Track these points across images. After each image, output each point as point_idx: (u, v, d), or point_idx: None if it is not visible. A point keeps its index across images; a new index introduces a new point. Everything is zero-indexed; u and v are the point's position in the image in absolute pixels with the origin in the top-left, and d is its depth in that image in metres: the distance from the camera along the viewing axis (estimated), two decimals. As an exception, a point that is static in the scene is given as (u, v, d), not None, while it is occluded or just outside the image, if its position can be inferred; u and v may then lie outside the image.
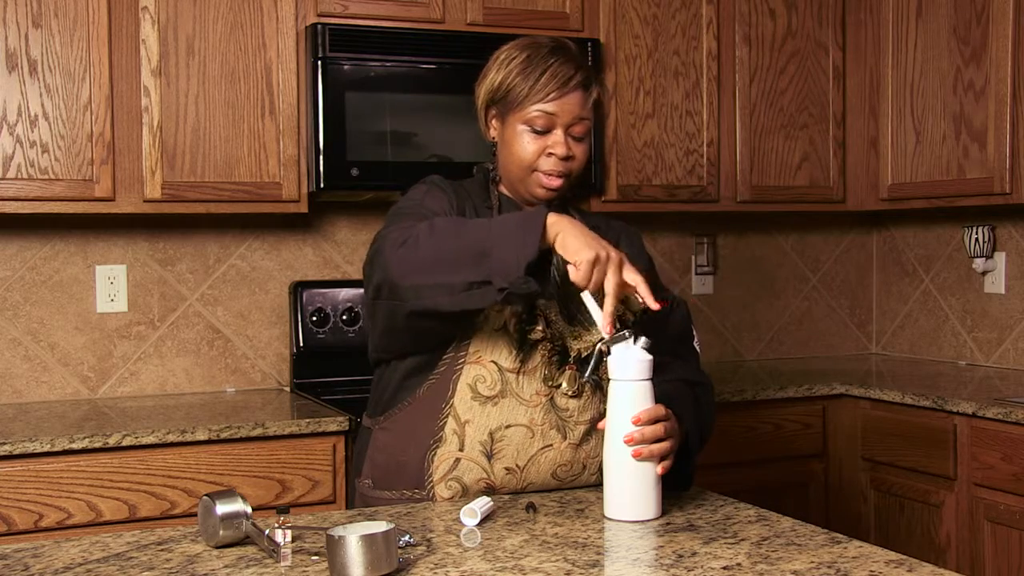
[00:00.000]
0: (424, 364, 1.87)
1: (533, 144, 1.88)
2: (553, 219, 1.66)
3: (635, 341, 1.68)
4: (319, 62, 2.95)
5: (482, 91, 1.94)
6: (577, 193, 2.09)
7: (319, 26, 2.96)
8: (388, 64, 3.02)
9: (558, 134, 1.87)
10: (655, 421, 1.69)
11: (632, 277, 1.65)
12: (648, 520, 1.68)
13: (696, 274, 3.90)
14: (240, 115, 2.97)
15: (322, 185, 2.98)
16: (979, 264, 3.66)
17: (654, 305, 1.64)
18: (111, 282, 3.17)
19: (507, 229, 1.66)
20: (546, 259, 1.66)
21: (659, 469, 1.68)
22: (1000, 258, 3.65)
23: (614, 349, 1.69)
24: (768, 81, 3.60)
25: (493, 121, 1.94)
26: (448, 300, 1.70)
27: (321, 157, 2.96)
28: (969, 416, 2.93)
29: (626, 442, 1.66)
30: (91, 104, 2.83)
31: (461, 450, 1.83)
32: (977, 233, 3.61)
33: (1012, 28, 3.17)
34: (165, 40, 2.89)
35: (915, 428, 3.10)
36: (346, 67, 2.98)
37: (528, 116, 1.87)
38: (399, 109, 3.04)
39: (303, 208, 3.05)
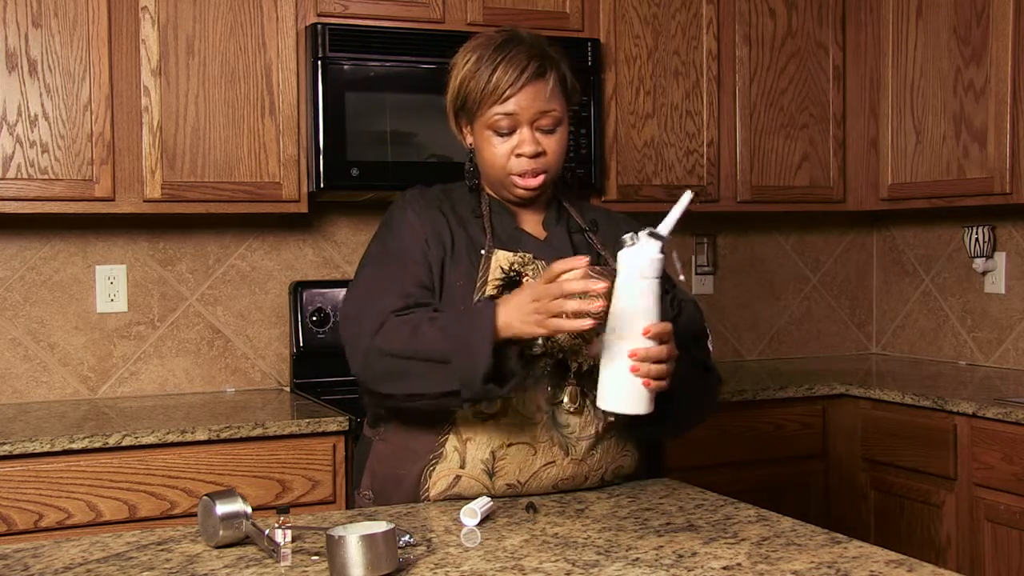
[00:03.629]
0: None
1: (501, 147, 1.83)
2: (500, 320, 1.62)
3: (647, 235, 1.63)
4: (319, 62, 2.95)
5: (447, 101, 1.89)
6: (574, 187, 2.05)
7: (319, 26, 2.96)
8: (388, 64, 3.02)
9: (524, 132, 1.82)
10: (663, 340, 1.63)
11: (575, 284, 1.58)
12: (640, 415, 1.64)
13: (696, 274, 3.90)
14: (240, 115, 2.97)
15: (322, 185, 2.98)
16: (979, 264, 3.66)
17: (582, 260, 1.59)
18: (111, 282, 3.17)
19: (461, 340, 1.64)
20: (505, 353, 1.66)
21: (648, 383, 1.61)
22: (1000, 258, 3.65)
23: (624, 246, 1.64)
24: (768, 81, 3.60)
25: (465, 128, 1.90)
26: (426, 404, 1.74)
27: (321, 157, 2.96)
28: (969, 416, 2.93)
29: (630, 356, 1.60)
30: (91, 104, 2.83)
31: (462, 467, 1.81)
32: (977, 233, 3.61)
33: (1012, 28, 3.17)
34: (165, 40, 2.89)
35: (915, 428, 3.10)
36: (346, 67, 2.98)
37: (490, 120, 1.82)
38: (399, 109, 3.04)
39: (303, 208, 3.05)
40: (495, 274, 1.80)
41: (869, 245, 4.18)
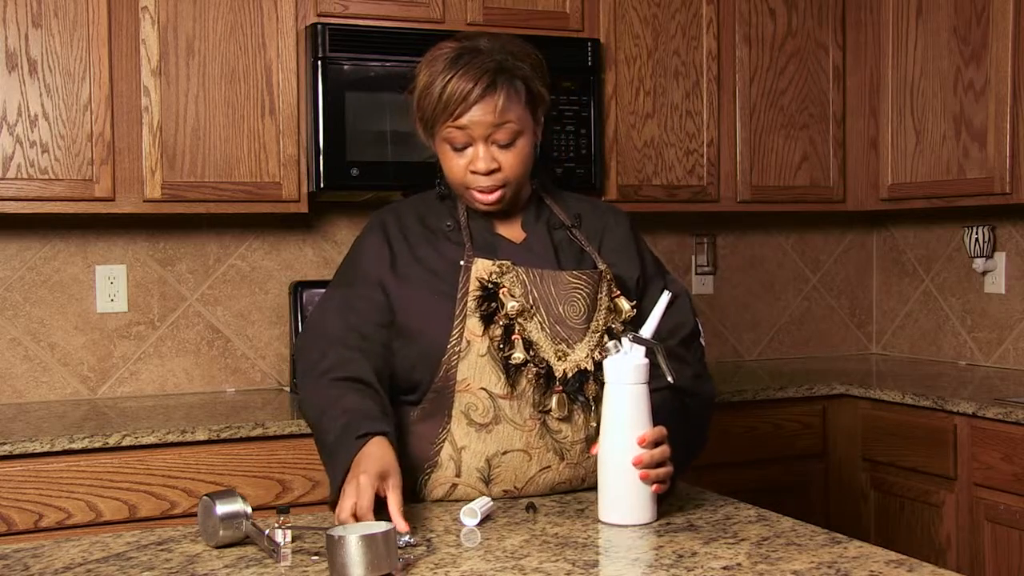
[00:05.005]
0: (408, 390, 1.84)
1: (457, 161, 1.82)
2: (351, 468, 1.64)
3: (630, 340, 1.68)
4: (319, 62, 2.95)
5: (412, 111, 1.89)
6: (554, 182, 2.06)
7: (319, 26, 2.96)
8: (388, 64, 3.02)
9: (478, 148, 1.80)
10: (658, 443, 1.67)
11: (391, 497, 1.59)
12: (643, 524, 1.67)
13: (696, 274, 3.90)
14: (240, 115, 2.97)
15: (322, 185, 2.98)
16: (979, 264, 3.66)
17: (402, 526, 1.55)
18: (111, 282, 3.17)
19: (329, 456, 1.72)
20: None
21: (653, 488, 1.67)
22: (1000, 258, 3.65)
23: (609, 355, 1.69)
24: (768, 81, 3.60)
25: (428, 139, 1.88)
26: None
27: (321, 157, 2.96)
28: (969, 416, 2.93)
29: (634, 464, 1.64)
30: (91, 104, 2.83)
31: (458, 476, 1.81)
32: (977, 233, 3.61)
33: (1012, 28, 3.17)
34: (165, 40, 2.89)
35: (915, 428, 3.10)
36: (346, 67, 2.98)
37: (445, 135, 1.81)
38: (399, 109, 3.04)
39: (303, 208, 3.05)
40: (473, 286, 1.79)
41: (869, 245, 4.18)
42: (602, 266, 1.88)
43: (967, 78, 3.31)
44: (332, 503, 1.66)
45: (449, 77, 1.77)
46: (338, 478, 1.65)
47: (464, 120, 1.78)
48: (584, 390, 1.80)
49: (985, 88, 3.26)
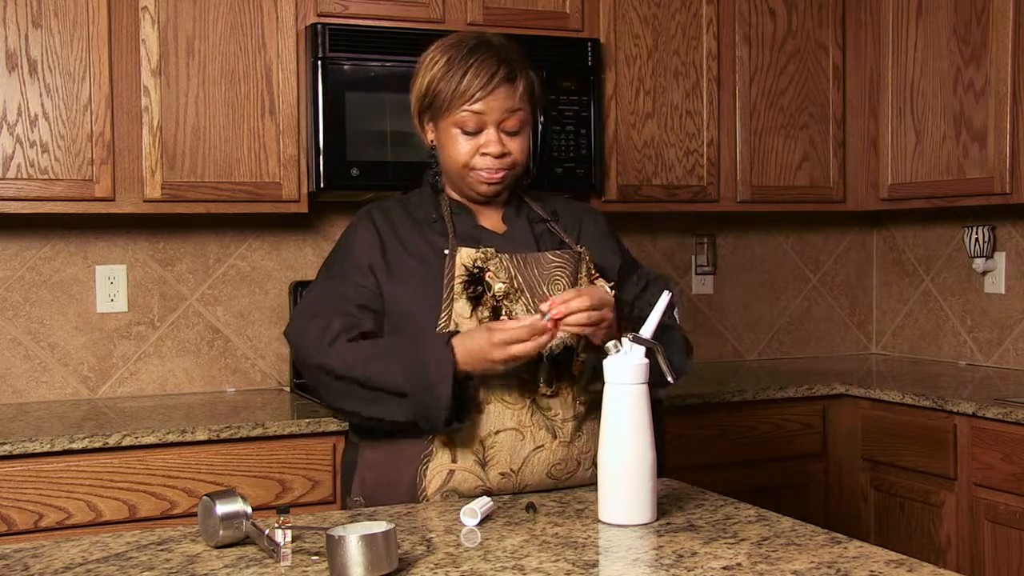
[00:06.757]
0: None
1: (467, 145, 1.88)
2: (459, 362, 1.73)
3: (630, 340, 1.69)
4: (319, 62, 2.95)
5: (412, 98, 1.93)
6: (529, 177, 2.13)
7: (319, 26, 2.96)
8: (388, 64, 3.02)
9: (490, 133, 1.86)
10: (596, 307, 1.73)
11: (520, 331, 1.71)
12: (644, 524, 1.68)
13: (696, 274, 3.90)
14: (240, 115, 2.97)
15: (322, 185, 2.98)
16: (979, 264, 3.66)
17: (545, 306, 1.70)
18: (111, 282, 3.17)
19: (419, 377, 1.75)
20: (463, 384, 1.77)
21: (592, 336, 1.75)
22: (1000, 258, 3.65)
23: (609, 354, 1.70)
24: (768, 81, 3.60)
25: (428, 125, 1.94)
26: (386, 425, 1.84)
27: (321, 157, 2.96)
28: (969, 416, 2.93)
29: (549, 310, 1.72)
30: (91, 104, 2.83)
31: (454, 462, 1.83)
32: (977, 233, 3.61)
33: (1012, 28, 3.17)
34: (165, 40, 2.89)
35: (915, 428, 3.10)
36: (346, 67, 2.98)
37: (457, 118, 1.86)
38: (399, 109, 3.04)
39: (303, 208, 3.05)
40: (459, 271, 1.84)
41: (869, 245, 4.18)
42: (580, 249, 1.93)
43: (967, 78, 3.31)
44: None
45: (471, 63, 1.84)
46: (448, 373, 1.72)
47: (481, 105, 1.84)
48: (571, 366, 1.84)
49: (985, 88, 3.26)
